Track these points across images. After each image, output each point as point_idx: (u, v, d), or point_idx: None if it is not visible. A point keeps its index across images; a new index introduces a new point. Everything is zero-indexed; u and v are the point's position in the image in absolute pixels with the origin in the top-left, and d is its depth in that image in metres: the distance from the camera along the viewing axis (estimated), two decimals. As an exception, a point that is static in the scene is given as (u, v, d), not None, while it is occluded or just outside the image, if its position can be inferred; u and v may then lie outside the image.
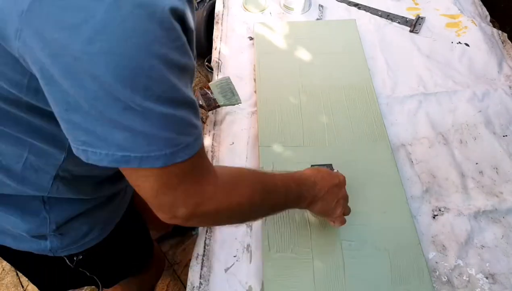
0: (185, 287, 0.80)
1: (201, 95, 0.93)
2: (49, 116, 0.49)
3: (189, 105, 0.48)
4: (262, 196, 0.62)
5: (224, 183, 0.56)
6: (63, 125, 0.46)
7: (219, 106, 0.94)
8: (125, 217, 0.81)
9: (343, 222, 0.76)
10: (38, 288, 0.84)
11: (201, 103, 0.93)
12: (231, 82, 0.96)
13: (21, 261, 0.77)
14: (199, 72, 2.18)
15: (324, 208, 0.73)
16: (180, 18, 0.44)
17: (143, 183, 0.49)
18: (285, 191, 0.66)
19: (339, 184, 0.75)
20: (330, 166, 0.86)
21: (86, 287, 1.46)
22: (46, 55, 0.40)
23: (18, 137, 0.55)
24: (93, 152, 0.45)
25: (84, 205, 0.69)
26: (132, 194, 0.85)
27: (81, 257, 0.74)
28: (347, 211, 0.77)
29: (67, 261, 0.73)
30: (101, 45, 0.38)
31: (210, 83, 0.96)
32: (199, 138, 0.50)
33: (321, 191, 0.71)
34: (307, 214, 0.85)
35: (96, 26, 0.38)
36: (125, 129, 0.43)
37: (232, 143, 1.00)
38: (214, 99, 0.93)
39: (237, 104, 0.96)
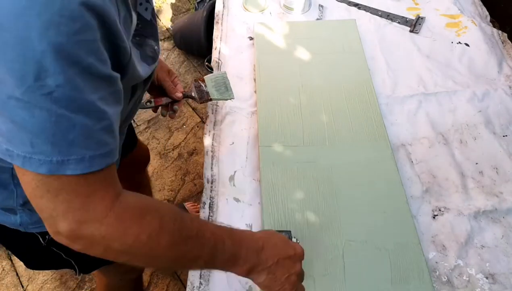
0: (185, 287, 0.80)
1: (195, 87, 0.94)
2: None
3: (96, 116, 0.43)
4: (173, 239, 0.51)
5: (125, 208, 0.48)
6: None
7: (211, 99, 0.93)
8: None
9: None
10: (23, 263, 0.86)
11: (193, 95, 0.93)
12: (226, 77, 0.96)
13: (2, 235, 0.76)
14: (199, 72, 2.18)
15: (269, 283, 0.61)
16: (97, 12, 0.40)
17: (26, 181, 0.45)
18: (213, 244, 0.55)
19: (294, 256, 0.63)
20: (288, 233, 0.72)
21: (86, 288, 1.46)
22: None
23: None
24: None
25: None
26: None
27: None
28: None
29: (40, 238, 0.72)
30: None
31: (206, 76, 0.96)
32: (106, 157, 0.45)
33: (268, 260, 0.60)
34: (307, 214, 0.85)
35: None
36: (9, 120, 0.40)
37: (232, 143, 1.00)
38: (207, 92, 0.93)
39: (230, 99, 0.95)
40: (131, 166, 1.13)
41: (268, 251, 0.60)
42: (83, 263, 0.84)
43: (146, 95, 0.90)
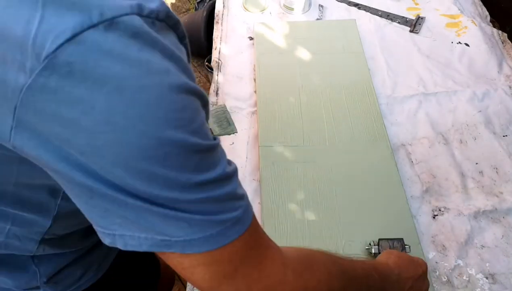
0: (185, 287, 0.80)
1: None
2: (39, 187, 0.45)
3: (227, 178, 0.40)
4: (342, 283, 0.50)
5: (294, 262, 0.46)
6: (88, 214, 0.39)
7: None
8: (122, 251, 0.76)
9: None
10: None
11: None
12: (227, 110, 0.93)
13: None
14: (199, 72, 2.18)
15: None
16: (192, 91, 0.37)
17: (193, 274, 0.40)
18: (366, 281, 0.55)
19: (423, 274, 0.66)
20: (401, 241, 0.77)
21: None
22: (49, 152, 0.34)
23: (1, 209, 0.49)
24: (131, 237, 0.38)
25: (74, 254, 0.64)
26: None
27: None
28: None
29: None
30: (106, 137, 0.33)
31: None
32: (248, 210, 0.42)
33: (406, 285, 0.62)
34: (307, 214, 0.85)
35: (96, 117, 0.32)
36: (157, 214, 0.37)
37: (232, 143, 1.00)
38: (209, 129, 0.91)
39: (233, 133, 0.91)
40: None
41: (403, 277, 0.62)
42: None
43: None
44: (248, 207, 0.42)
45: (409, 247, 0.76)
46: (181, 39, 0.39)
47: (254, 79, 1.12)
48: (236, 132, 0.91)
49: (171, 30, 0.37)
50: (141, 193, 0.35)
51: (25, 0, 0.31)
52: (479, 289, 0.78)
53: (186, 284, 0.79)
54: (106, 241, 0.39)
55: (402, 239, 0.76)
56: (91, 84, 0.31)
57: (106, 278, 0.71)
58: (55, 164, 0.34)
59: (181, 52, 0.38)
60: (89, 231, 0.61)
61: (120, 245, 0.39)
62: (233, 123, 0.90)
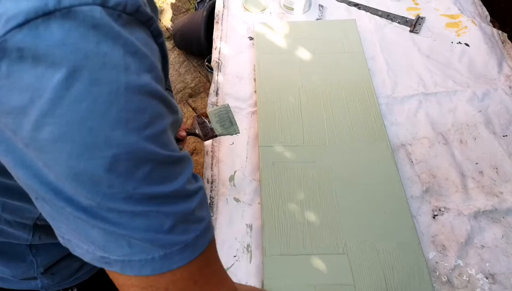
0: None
1: (198, 124, 0.89)
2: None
3: (184, 196, 0.37)
4: None
5: None
6: (41, 212, 0.37)
7: (216, 136, 0.89)
8: None
9: None
10: None
11: (197, 132, 0.89)
12: (230, 110, 0.91)
13: None
14: (199, 72, 2.18)
15: None
16: (155, 94, 0.34)
17: (125, 285, 0.37)
18: None
19: None
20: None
21: None
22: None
23: None
24: (76, 244, 0.36)
25: None
26: None
27: (76, 290, 0.70)
28: None
29: None
30: (49, 130, 0.30)
31: (209, 111, 0.91)
32: (204, 236, 0.38)
33: None
34: (307, 214, 0.85)
35: (43, 107, 0.30)
36: (96, 226, 0.34)
37: (232, 143, 1.00)
38: (212, 129, 0.88)
39: (235, 134, 0.90)
40: None
41: None
42: None
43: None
44: (204, 233, 0.38)
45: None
46: (155, 37, 0.36)
47: (254, 79, 1.12)
48: (239, 133, 0.89)
49: (143, 25, 0.35)
50: (81, 199, 0.32)
51: None
52: (479, 289, 0.78)
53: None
54: (60, 240, 0.37)
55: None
56: (41, 71, 0.29)
57: (103, 271, 0.71)
58: (3, 156, 0.33)
59: (151, 50, 0.35)
60: None
61: (70, 249, 0.37)
62: (236, 124, 0.90)
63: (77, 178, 0.32)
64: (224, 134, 0.89)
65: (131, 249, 0.34)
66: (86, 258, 0.36)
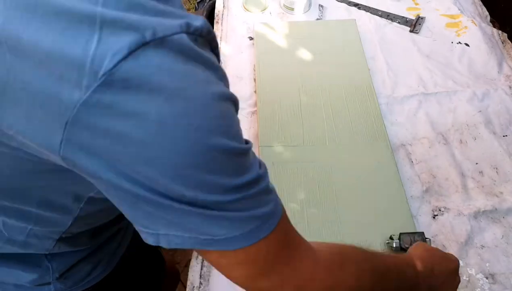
0: (185, 287, 0.80)
1: None
2: (66, 193, 0.48)
3: (261, 177, 0.42)
4: (373, 279, 0.51)
5: (325, 259, 0.47)
6: (131, 216, 0.41)
7: None
8: (130, 248, 0.77)
9: None
10: None
11: None
12: None
13: None
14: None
15: None
16: (229, 98, 0.40)
17: (231, 271, 0.43)
18: (400, 277, 0.56)
19: (456, 269, 0.65)
20: (422, 235, 0.77)
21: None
22: (97, 164, 0.36)
23: (25, 210, 0.51)
24: (174, 235, 0.39)
25: (85, 251, 0.67)
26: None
27: None
28: None
29: None
30: (156, 148, 0.34)
31: None
32: (278, 203, 0.44)
33: (438, 279, 0.62)
34: (307, 214, 0.85)
35: (148, 129, 0.34)
36: (200, 215, 0.39)
37: (232, 143, 1.00)
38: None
39: None
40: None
41: (436, 271, 0.62)
42: None
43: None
44: (278, 201, 0.44)
45: (430, 240, 0.77)
46: (213, 49, 0.41)
47: (254, 79, 1.12)
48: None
49: (208, 42, 0.40)
50: (186, 198, 0.36)
51: (84, 22, 0.32)
52: (479, 289, 0.78)
53: (186, 284, 0.79)
54: (150, 240, 0.40)
55: (423, 232, 0.77)
56: (143, 97, 0.32)
57: (113, 274, 0.73)
58: (102, 174, 0.36)
59: (216, 61, 0.40)
60: (101, 228, 0.65)
61: (164, 244, 0.40)
62: None
63: (183, 183, 0.36)
64: None
65: (232, 227, 0.39)
66: (186, 245, 0.40)
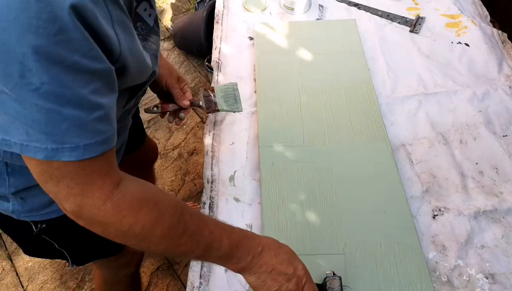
0: (185, 287, 0.80)
1: (203, 96, 0.94)
2: None
3: (89, 107, 0.46)
4: (168, 233, 0.54)
5: (123, 197, 0.52)
6: None
7: (218, 110, 0.93)
8: None
9: None
10: (22, 249, 0.90)
11: (201, 104, 0.93)
12: (237, 89, 0.95)
13: (2, 221, 0.79)
14: (199, 72, 2.18)
15: (258, 286, 0.62)
16: (78, 12, 0.42)
17: (31, 167, 0.50)
18: (209, 242, 0.57)
19: (291, 275, 0.62)
20: (339, 279, 0.70)
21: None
22: None
23: None
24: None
25: None
26: None
27: (44, 226, 0.76)
28: None
29: (32, 226, 0.76)
30: None
31: (217, 86, 0.95)
32: (101, 144, 0.49)
33: (262, 266, 0.61)
34: (307, 214, 0.85)
35: None
36: (3, 112, 0.44)
37: (232, 143, 1.00)
38: (215, 103, 0.93)
39: (238, 112, 0.94)
40: (138, 163, 1.14)
41: (265, 259, 0.61)
42: (75, 256, 0.87)
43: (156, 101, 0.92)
44: (98, 144, 0.48)
45: (350, 287, 0.73)
46: None
47: (254, 79, 1.12)
48: (241, 111, 0.95)
49: None
50: (2, 87, 0.41)
51: None
52: (479, 289, 0.78)
53: (186, 284, 0.80)
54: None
55: (340, 277, 0.70)
56: None
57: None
58: None
59: None
60: None
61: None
62: (240, 102, 0.94)
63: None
64: (226, 111, 0.94)
65: (28, 137, 0.45)
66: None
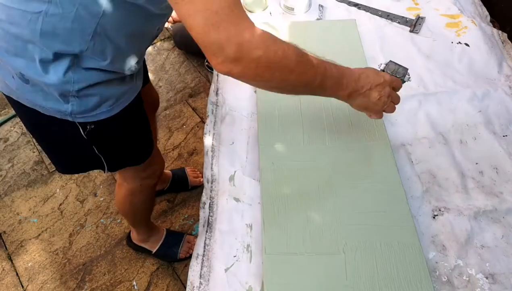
0: (185, 287, 0.80)
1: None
2: None
3: None
4: (298, 58, 0.67)
5: (261, 32, 0.63)
6: None
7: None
8: (133, 106, 0.88)
9: (381, 116, 0.84)
10: (53, 162, 0.99)
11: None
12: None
13: (45, 127, 0.86)
14: (199, 72, 2.18)
15: (364, 104, 0.80)
16: None
17: (192, 20, 0.58)
18: (323, 70, 0.72)
19: (383, 83, 0.80)
20: (406, 70, 0.89)
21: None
22: None
23: None
24: None
25: (104, 76, 0.77)
26: (140, 94, 0.92)
27: (93, 126, 0.83)
28: (389, 109, 0.83)
29: (81, 130, 0.83)
30: None
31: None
32: None
33: (363, 87, 0.77)
34: (307, 214, 0.85)
35: None
36: None
37: (232, 143, 1.00)
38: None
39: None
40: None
41: (363, 80, 0.77)
42: (112, 161, 0.95)
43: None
44: None
45: (409, 77, 0.84)
46: None
47: (254, 79, 1.12)
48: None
49: None
50: None
51: None
52: (479, 289, 0.78)
53: (186, 284, 0.80)
54: None
55: (407, 68, 0.89)
56: None
57: (114, 120, 0.85)
58: None
59: None
60: (122, 56, 0.78)
61: None
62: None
63: None
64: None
65: None
66: None
